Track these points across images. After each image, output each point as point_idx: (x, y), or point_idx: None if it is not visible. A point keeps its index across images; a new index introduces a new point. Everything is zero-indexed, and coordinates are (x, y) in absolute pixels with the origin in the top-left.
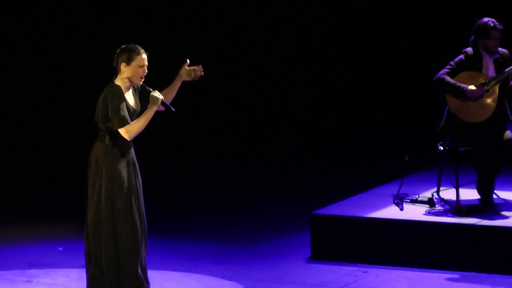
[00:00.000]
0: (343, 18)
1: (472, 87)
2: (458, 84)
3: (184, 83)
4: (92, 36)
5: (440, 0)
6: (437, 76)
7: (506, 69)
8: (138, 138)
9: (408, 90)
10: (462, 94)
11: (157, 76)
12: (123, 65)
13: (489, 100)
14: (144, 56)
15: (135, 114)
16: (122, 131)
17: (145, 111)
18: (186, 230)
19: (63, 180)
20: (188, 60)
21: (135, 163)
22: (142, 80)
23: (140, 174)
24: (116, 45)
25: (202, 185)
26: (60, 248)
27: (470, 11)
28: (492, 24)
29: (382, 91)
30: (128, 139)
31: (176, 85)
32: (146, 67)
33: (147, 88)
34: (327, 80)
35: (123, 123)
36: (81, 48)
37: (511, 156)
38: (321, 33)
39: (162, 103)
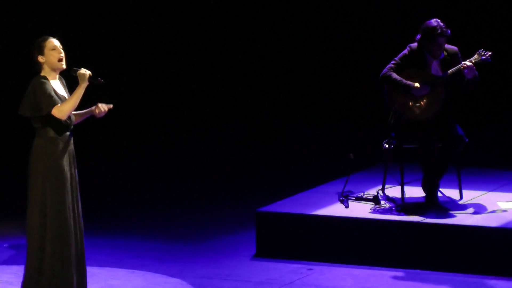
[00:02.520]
0: (288, 19)
1: (417, 84)
2: (404, 81)
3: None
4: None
5: None
6: (382, 73)
7: (449, 70)
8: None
9: (353, 88)
10: (408, 91)
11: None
12: (39, 57)
13: (432, 99)
14: (52, 39)
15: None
16: (54, 111)
17: (76, 89)
18: (131, 227)
19: (5, 176)
20: (111, 105)
21: (74, 156)
22: (62, 62)
23: (78, 169)
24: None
25: (147, 183)
26: (5, 245)
27: (414, 8)
28: (439, 30)
29: (326, 88)
30: (62, 119)
31: (87, 114)
32: (60, 48)
33: (74, 68)
34: (272, 81)
35: (53, 103)
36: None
37: (458, 153)
38: (267, 35)
39: (90, 78)
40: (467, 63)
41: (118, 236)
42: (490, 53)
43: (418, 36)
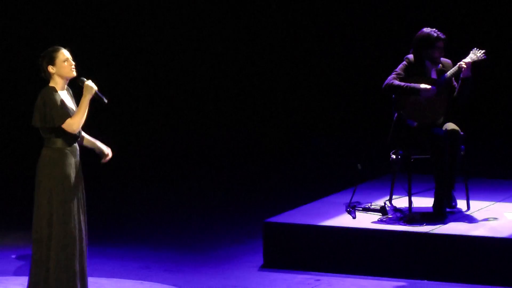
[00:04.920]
0: (299, 28)
1: (424, 85)
2: (409, 84)
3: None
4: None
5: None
6: (385, 83)
7: (448, 72)
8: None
9: (361, 98)
10: (415, 92)
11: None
12: (50, 67)
13: (438, 102)
14: (64, 50)
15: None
16: (65, 125)
17: (80, 102)
18: (139, 238)
19: (14, 187)
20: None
21: (80, 167)
22: (74, 71)
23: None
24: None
25: (155, 193)
26: (13, 256)
27: (416, 23)
28: (435, 35)
29: (335, 99)
30: (73, 132)
31: (94, 147)
32: (71, 59)
33: (81, 78)
34: (281, 90)
35: (65, 116)
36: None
37: (458, 148)
38: (279, 42)
39: (95, 93)
40: (464, 61)
41: (125, 247)
42: (483, 51)
43: (412, 50)
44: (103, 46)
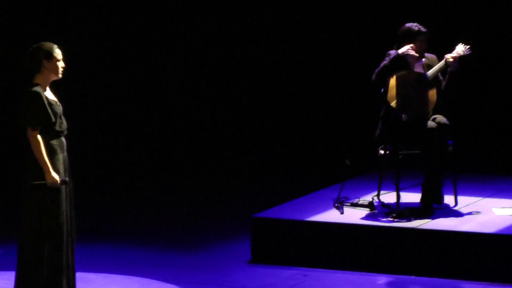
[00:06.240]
0: (289, 20)
1: (405, 49)
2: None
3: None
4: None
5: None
6: (373, 76)
7: (435, 67)
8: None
9: (351, 96)
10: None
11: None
12: (45, 61)
13: (430, 94)
14: (59, 51)
15: (58, 109)
16: (29, 130)
17: (43, 163)
18: (127, 233)
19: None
20: None
21: (68, 162)
22: (61, 74)
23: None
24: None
25: (144, 189)
26: (0, 251)
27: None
28: (416, 28)
29: (324, 96)
30: (28, 139)
31: None
32: (62, 61)
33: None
34: (269, 86)
35: (36, 125)
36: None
37: (447, 142)
38: (268, 39)
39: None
40: (451, 55)
41: (114, 242)
42: (469, 46)
43: (396, 46)
44: (103, 46)
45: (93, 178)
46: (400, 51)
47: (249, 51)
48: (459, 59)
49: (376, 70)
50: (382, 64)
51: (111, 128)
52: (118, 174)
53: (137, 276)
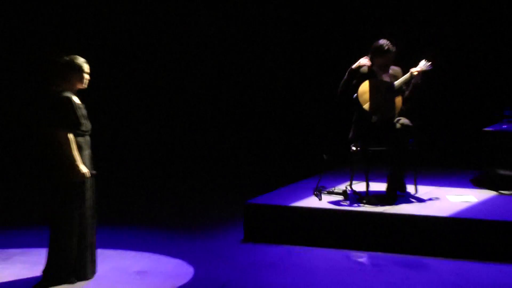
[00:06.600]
0: (260, 31)
1: (358, 63)
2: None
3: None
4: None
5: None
6: (338, 89)
7: (401, 78)
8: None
9: (328, 104)
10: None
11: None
12: (76, 74)
13: (396, 100)
14: (88, 65)
15: (84, 112)
16: (59, 131)
17: (75, 157)
18: (139, 216)
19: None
20: None
21: (91, 156)
22: (86, 84)
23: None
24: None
25: (153, 178)
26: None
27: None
28: (386, 47)
29: (309, 104)
30: (60, 141)
31: None
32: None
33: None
34: (258, 83)
35: (68, 126)
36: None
37: (408, 140)
38: (265, 38)
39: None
40: (416, 69)
41: (127, 224)
42: (430, 62)
43: (369, 56)
44: (103, 46)
45: (111, 171)
46: (354, 66)
47: (248, 52)
48: (422, 73)
49: (340, 84)
50: (342, 81)
51: (122, 130)
52: (131, 168)
53: (147, 252)
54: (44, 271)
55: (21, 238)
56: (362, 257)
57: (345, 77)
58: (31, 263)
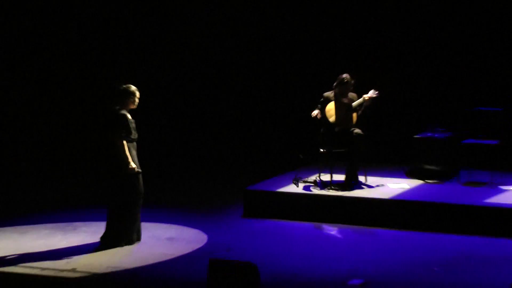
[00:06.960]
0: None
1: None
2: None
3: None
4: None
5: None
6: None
7: (356, 101)
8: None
9: (307, 115)
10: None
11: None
12: (132, 98)
13: (353, 116)
14: (139, 93)
15: (134, 125)
16: (117, 139)
17: (128, 158)
18: (168, 198)
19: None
20: None
21: (137, 156)
22: (136, 105)
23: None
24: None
25: (177, 172)
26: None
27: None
28: (346, 80)
29: (291, 116)
30: (117, 145)
31: None
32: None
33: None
34: (252, 81)
35: (124, 137)
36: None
37: (359, 146)
38: (266, 38)
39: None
40: (367, 96)
41: (160, 204)
42: (378, 91)
43: (334, 85)
44: (103, 46)
45: (145, 166)
46: (313, 114)
47: (249, 51)
48: (371, 98)
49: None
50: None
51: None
52: (157, 165)
53: (174, 224)
54: (102, 238)
55: (84, 215)
56: (328, 228)
57: (319, 105)
58: (91, 232)
